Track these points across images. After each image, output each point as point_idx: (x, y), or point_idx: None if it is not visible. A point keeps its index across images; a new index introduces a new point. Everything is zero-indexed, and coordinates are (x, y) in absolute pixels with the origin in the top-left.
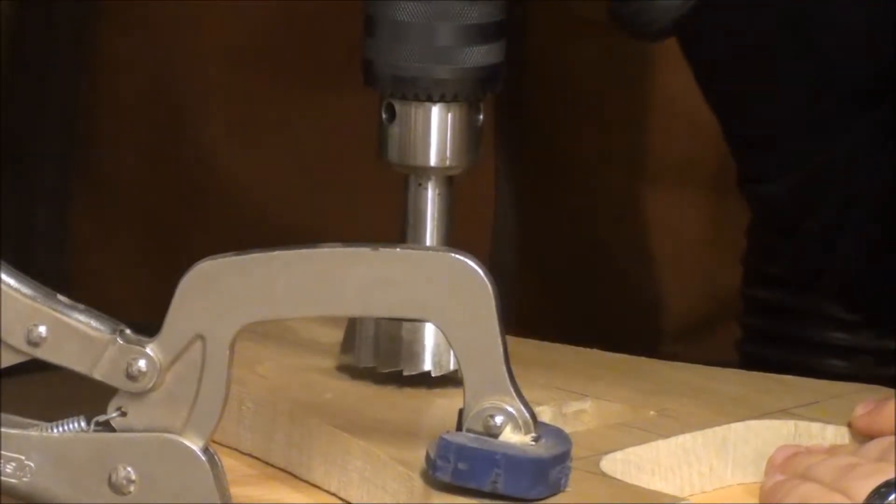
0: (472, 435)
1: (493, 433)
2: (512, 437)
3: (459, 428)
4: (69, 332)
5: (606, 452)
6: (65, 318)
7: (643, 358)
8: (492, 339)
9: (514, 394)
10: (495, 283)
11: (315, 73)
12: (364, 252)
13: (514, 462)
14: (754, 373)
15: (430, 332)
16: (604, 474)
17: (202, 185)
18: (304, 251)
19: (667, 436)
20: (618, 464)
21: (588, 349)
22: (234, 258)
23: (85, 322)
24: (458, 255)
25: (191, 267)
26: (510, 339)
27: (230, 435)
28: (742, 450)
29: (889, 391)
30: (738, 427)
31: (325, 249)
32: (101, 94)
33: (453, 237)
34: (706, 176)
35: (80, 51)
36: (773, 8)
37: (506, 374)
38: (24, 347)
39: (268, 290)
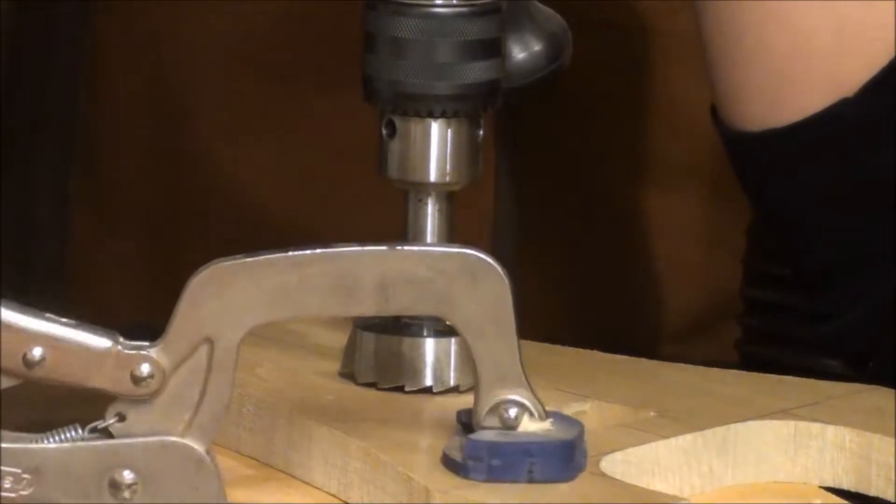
0: (494, 431)
1: (510, 425)
2: (530, 426)
3: (468, 425)
4: (68, 349)
5: (606, 453)
6: (61, 336)
7: (643, 359)
8: (508, 333)
9: (527, 384)
10: (510, 278)
11: (315, 73)
12: (381, 251)
13: (547, 449)
14: (754, 373)
15: (430, 348)
16: (604, 475)
17: (202, 185)
18: (320, 251)
19: (667, 436)
20: (618, 464)
21: (588, 350)
22: (247, 260)
23: (83, 336)
24: (474, 251)
25: (199, 269)
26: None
27: (230, 436)
28: (742, 450)
29: (888, 391)
30: (738, 428)
31: (342, 249)
32: (101, 94)
33: (453, 236)
34: (706, 176)
35: (80, 51)
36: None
37: (521, 367)
38: (23, 371)
39: (281, 291)
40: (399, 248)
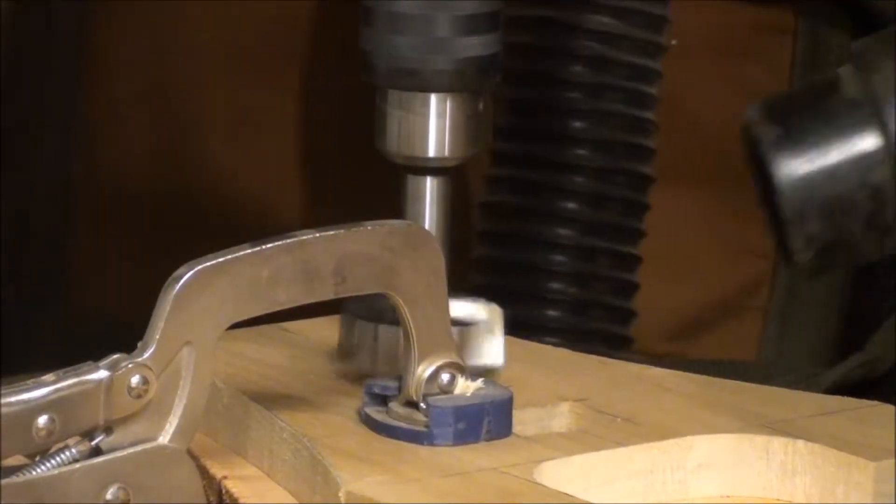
0: (447, 395)
1: (447, 390)
2: (469, 386)
3: (381, 396)
4: (69, 404)
5: (546, 460)
6: (59, 396)
7: (634, 364)
8: (442, 301)
9: (456, 348)
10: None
11: (316, 73)
12: (338, 234)
13: (498, 405)
14: (742, 383)
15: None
16: (534, 481)
17: (202, 184)
18: (284, 243)
19: (625, 444)
20: (561, 471)
21: (580, 353)
22: (221, 260)
23: (71, 386)
24: (414, 224)
25: (179, 272)
26: (511, 340)
27: (231, 437)
28: (704, 463)
29: (880, 408)
30: (702, 440)
31: (304, 237)
32: (101, 94)
33: (453, 236)
34: (706, 175)
35: (80, 51)
36: None
37: (450, 332)
38: (40, 440)
39: (253, 286)
40: (353, 229)
